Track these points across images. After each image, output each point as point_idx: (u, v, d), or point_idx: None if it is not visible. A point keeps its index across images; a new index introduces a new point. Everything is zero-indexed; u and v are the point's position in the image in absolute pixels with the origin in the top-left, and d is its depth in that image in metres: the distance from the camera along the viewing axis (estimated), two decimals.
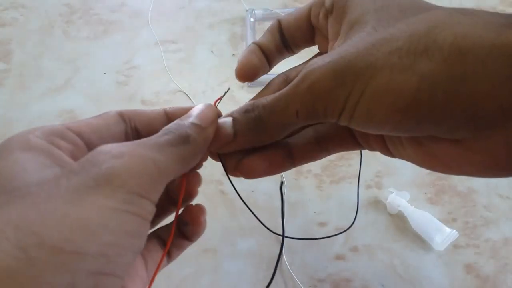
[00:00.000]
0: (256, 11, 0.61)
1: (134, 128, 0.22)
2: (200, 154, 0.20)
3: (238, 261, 0.41)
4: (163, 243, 0.24)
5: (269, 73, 0.27)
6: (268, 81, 0.26)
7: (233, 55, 0.59)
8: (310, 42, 0.26)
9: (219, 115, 0.22)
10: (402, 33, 0.16)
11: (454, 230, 0.41)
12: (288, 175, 0.47)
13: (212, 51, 0.60)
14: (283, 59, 0.27)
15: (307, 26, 0.24)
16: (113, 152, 0.16)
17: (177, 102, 0.54)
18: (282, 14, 0.60)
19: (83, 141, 0.19)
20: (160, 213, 0.24)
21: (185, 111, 0.22)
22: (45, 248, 0.14)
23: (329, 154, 0.25)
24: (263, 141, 0.21)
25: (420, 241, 0.42)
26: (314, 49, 0.28)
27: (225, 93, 0.23)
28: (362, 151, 0.48)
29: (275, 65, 0.26)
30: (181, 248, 0.25)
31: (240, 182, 0.48)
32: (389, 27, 0.17)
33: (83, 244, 0.14)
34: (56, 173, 0.16)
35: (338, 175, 0.47)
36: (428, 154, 0.19)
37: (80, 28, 0.64)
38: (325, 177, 0.47)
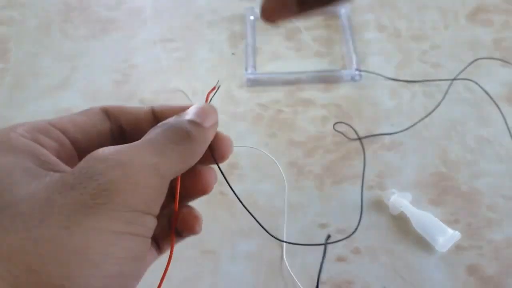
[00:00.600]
0: (255, 9, 0.60)
1: (120, 126, 0.20)
2: (201, 153, 0.19)
3: (238, 263, 0.41)
4: (154, 239, 0.23)
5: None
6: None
7: (232, 53, 0.58)
8: None
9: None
10: None
11: (457, 231, 0.40)
12: (289, 176, 0.46)
13: (211, 50, 0.59)
14: None
15: None
16: (111, 161, 0.14)
17: (176, 101, 0.54)
18: None
19: (68, 138, 0.18)
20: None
21: (174, 110, 0.20)
22: None
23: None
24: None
25: (422, 242, 0.41)
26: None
27: (217, 89, 0.22)
28: (366, 152, 0.48)
29: None
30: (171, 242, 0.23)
31: (240, 182, 0.47)
32: None
33: (85, 280, 0.13)
34: (48, 184, 0.14)
35: (339, 175, 0.47)
36: None
37: (78, 26, 0.63)
38: (326, 178, 0.46)
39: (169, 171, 0.16)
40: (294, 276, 0.40)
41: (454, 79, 0.53)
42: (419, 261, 0.41)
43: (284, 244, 0.42)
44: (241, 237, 0.42)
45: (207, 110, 0.19)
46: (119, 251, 0.14)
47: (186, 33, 0.62)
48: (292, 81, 0.55)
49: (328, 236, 0.42)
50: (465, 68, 0.54)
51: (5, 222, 0.13)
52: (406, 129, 0.49)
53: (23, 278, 0.12)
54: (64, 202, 0.13)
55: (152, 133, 0.17)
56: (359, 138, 0.49)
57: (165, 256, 0.23)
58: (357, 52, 0.56)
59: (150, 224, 0.16)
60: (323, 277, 0.40)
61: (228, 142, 0.21)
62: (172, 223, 0.21)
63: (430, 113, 0.50)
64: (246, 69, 0.55)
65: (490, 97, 0.51)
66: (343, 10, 0.60)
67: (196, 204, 0.25)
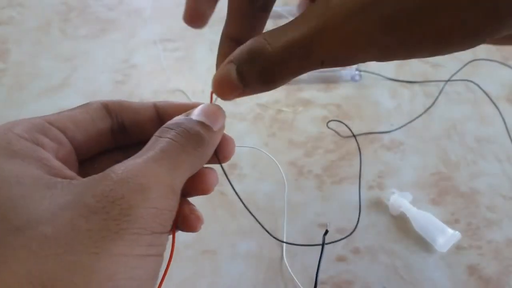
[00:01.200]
0: None
1: (121, 123, 0.20)
2: (209, 157, 0.18)
3: (238, 263, 0.41)
4: None
5: None
6: None
7: None
8: None
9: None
10: None
11: (457, 231, 0.40)
12: (288, 176, 0.46)
13: (211, 50, 0.59)
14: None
15: None
16: (131, 185, 0.14)
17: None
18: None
19: (67, 137, 0.18)
20: None
21: (177, 108, 0.20)
22: None
23: None
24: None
25: (422, 242, 0.41)
26: None
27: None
28: (362, 154, 0.48)
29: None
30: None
31: (241, 182, 0.47)
32: None
33: None
34: (68, 205, 0.14)
35: (339, 175, 0.47)
36: None
37: (77, 26, 0.63)
38: (326, 178, 0.46)
39: (181, 183, 0.16)
40: (293, 276, 0.40)
41: (449, 80, 0.53)
42: (419, 261, 0.41)
43: (284, 244, 0.42)
44: (241, 237, 0.42)
45: (216, 112, 0.19)
46: (142, 273, 0.14)
47: (186, 33, 0.62)
48: (292, 81, 0.55)
49: (326, 232, 0.42)
50: (461, 68, 0.54)
51: (32, 244, 0.13)
52: (403, 126, 0.49)
53: None
54: (89, 227, 0.13)
55: (164, 141, 0.16)
56: (354, 136, 0.49)
57: (165, 256, 0.23)
58: None
59: (165, 241, 0.16)
60: (323, 277, 0.40)
61: (232, 143, 0.21)
62: (173, 224, 0.21)
63: (427, 110, 0.50)
64: None
65: (489, 98, 0.51)
66: None
67: (196, 204, 0.25)
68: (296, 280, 0.39)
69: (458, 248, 0.41)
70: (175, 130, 0.17)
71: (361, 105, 0.52)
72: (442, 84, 0.54)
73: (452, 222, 0.43)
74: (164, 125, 0.18)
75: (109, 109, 0.19)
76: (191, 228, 0.21)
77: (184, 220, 0.20)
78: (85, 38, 0.62)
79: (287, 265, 0.40)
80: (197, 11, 0.20)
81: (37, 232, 0.13)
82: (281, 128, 0.51)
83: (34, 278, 0.12)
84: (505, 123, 0.49)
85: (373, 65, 0.56)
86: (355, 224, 0.42)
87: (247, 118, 0.51)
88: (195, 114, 0.18)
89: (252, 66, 0.16)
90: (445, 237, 0.40)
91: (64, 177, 0.15)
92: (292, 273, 0.40)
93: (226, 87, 0.17)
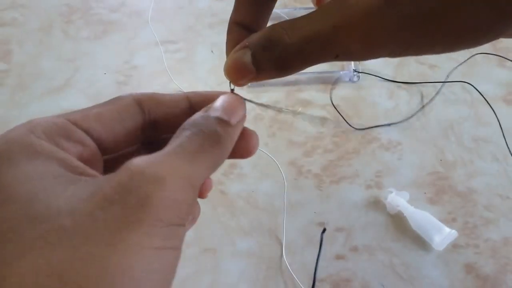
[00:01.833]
0: None
1: (153, 119, 0.19)
2: (228, 153, 0.18)
3: (238, 261, 0.41)
4: None
5: None
6: None
7: None
8: None
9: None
10: None
11: (454, 230, 0.41)
12: (288, 175, 0.47)
13: (212, 51, 0.60)
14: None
15: None
16: (148, 175, 0.14)
17: None
18: (282, 14, 0.60)
19: (92, 138, 0.17)
20: None
21: (208, 97, 0.19)
22: None
23: None
24: (286, 75, 0.18)
25: (419, 241, 0.42)
26: None
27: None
28: (360, 154, 0.48)
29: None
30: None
31: (241, 182, 0.48)
32: None
33: None
34: (87, 197, 0.14)
35: (338, 175, 0.47)
36: None
37: (80, 28, 0.64)
38: (325, 177, 0.47)
39: (200, 180, 0.16)
40: (293, 274, 0.40)
41: (446, 81, 0.54)
42: (416, 260, 0.41)
43: (284, 242, 0.42)
44: (241, 235, 0.43)
45: (235, 104, 0.18)
46: (159, 267, 0.14)
47: (187, 35, 0.62)
48: (292, 82, 0.55)
49: (324, 230, 0.43)
50: (458, 65, 0.55)
51: (50, 236, 0.13)
52: (400, 122, 0.50)
53: None
54: (106, 218, 0.13)
55: (182, 137, 0.16)
56: (355, 128, 0.49)
57: None
58: None
59: (183, 234, 0.16)
60: (322, 275, 0.40)
61: (255, 138, 0.20)
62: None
63: (423, 107, 0.51)
64: None
65: (485, 99, 0.52)
66: None
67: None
68: (296, 278, 0.40)
69: (455, 246, 0.42)
70: (190, 130, 0.17)
71: (359, 105, 0.53)
72: (438, 85, 0.54)
73: (449, 221, 0.43)
74: (181, 126, 0.17)
75: (142, 104, 0.19)
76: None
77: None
78: (87, 39, 0.62)
79: (286, 263, 0.41)
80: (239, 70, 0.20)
81: (56, 223, 0.13)
82: (281, 128, 0.51)
83: (51, 269, 0.12)
84: (499, 123, 0.50)
85: (371, 66, 0.57)
86: (354, 223, 0.43)
87: (247, 118, 0.52)
88: (214, 108, 0.18)
89: (269, 53, 0.17)
90: (442, 235, 0.40)
91: (86, 174, 0.15)
92: (291, 271, 0.40)
93: (239, 71, 0.17)
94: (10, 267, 0.12)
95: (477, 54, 0.56)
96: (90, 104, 0.18)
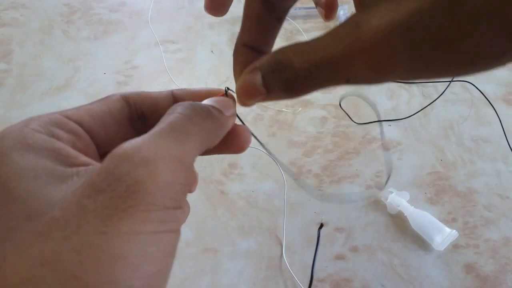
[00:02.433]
0: None
1: (141, 113, 0.20)
2: (220, 136, 0.18)
3: (238, 261, 0.41)
4: None
5: None
6: None
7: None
8: None
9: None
10: None
11: (454, 230, 0.40)
12: (288, 175, 0.47)
13: (212, 51, 0.60)
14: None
15: None
16: (136, 159, 0.14)
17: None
18: None
19: (84, 130, 0.17)
20: None
21: (195, 94, 0.20)
22: None
23: None
24: (296, 97, 0.18)
25: (420, 241, 0.42)
26: None
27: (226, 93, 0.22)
28: (361, 154, 0.48)
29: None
30: None
31: (241, 182, 0.48)
32: None
33: (129, 283, 0.13)
34: (76, 188, 0.14)
35: (338, 175, 0.47)
36: None
37: (80, 28, 0.64)
38: (325, 177, 0.47)
39: (192, 157, 0.16)
40: (293, 274, 0.40)
41: (448, 81, 0.54)
42: (416, 260, 0.41)
43: (284, 242, 0.42)
44: (241, 235, 0.43)
45: (226, 101, 0.19)
46: (156, 250, 0.14)
47: (187, 35, 0.62)
48: None
49: (321, 226, 0.43)
50: None
51: (43, 229, 0.13)
52: (403, 118, 0.50)
53: (69, 287, 0.12)
54: (96, 207, 0.13)
55: (172, 115, 0.16)
56: (355, 123, 0.49)
57: None
58: None
59: (180, 216, 0.15)
60: (322, 275, 0.40)
61: (247, 133, 0.21)
62: None
63: (425, 107, 0.51)
64: None
65: (486, 98, 0.52)
66: (341, 12, 0.61)
67: (197, 202, 0.25)
68: (296, 278, 0.40)
69: (455, 246, 0.42)
70: (181, 107, 0.17)
71: (359, 105, 0.53)
72: (439, 85, 0.54)
73: (449, 221, 0.43)
74: (172, 107, 0.18)
75: (127, 99, 0.19)
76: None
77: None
78: (87, 39, 0.63)
79: (286, 263, 0.41)
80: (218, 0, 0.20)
81: (49, 217, 0.13)
82: (281, 128, 0.51)
83: (44, 259, 0.12)
84: (501, 123, 0.50)
85: None
86: (354, 223, 0.43)
87: (247, 118, 0.52)
88: (205, 101, 0.19)
89: (278, 76, 0.17)
90: (443, 235, 0.40)
91: (81, 164, 0.15)
92: (291, 271, 0.40)
93: (250, 92, 0.18)
94: (3, 262, 0.12)
95: None
96: None
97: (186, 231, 0.43)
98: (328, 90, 0.55)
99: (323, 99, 0.54)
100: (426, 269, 0.40)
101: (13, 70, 0.59)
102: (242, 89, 0.18)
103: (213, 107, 0.18)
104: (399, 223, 0.43)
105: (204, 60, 0.59)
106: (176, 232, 0.15)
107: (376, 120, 0.52)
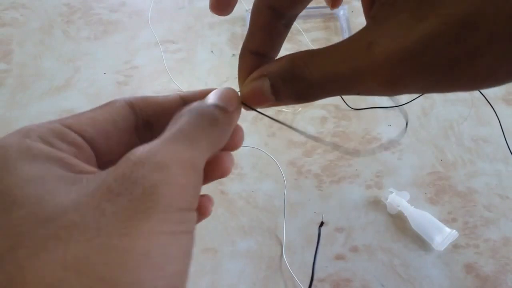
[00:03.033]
0: None
1: (146, 119, 0.19)
2: (227, 137, 0.18)
3: (238, 261, 0.41)
4: None
5: None
6: None
7: (233, 55, 0.59)
8: None
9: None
10: None
11: (454, 230, 0.41)
12: (288, 175, 0.47)
13: (212, 51, 0.60)
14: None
15: None
16: (150, 164, 0.14)
17: None
18: None
19: (85, 140, 0.17)
20: None
21: (202, 94, 0.20)
22: None
23: None
24: (304, 103, 0.19)
25: (420, 241, 0.42)
26: None
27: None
28: (360, 153, 0.48)
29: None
30: None
31: (241, 182, 0.48)
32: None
33: (154, 283, 0.13)
34: (91, 192, 0.14)
35: (338, 175, 0.47)
36: None
37: (80, 28, 0.64)
38: (325, 177, 0.47)
39: (202, 161, 0.16)
40: (293, 274, 0.40)
41: None
42: (416, 260, 0.41)
43: (284, 242, 0.42)
44: (241, 235, 0.43)
45: (229, 94, 0.19)
46: (176, 251, 0.14)
47: (187, 35, 0.62)
48: None
49: (321, 224, 0.43)
50: None
51: (61, 233, 0.13)
52: (401, 104, 0.50)
53: None
54: (115, 210, 0.13)
55: (180, 121, 0.17)
56: (352, 109, 0.49)
57: None
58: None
59: (194, 218, 0.16)
60: (322, 275, 0.40)
61: (241, 132, 0.21)
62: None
63: (424, 109, 0.51)
64: None
65: (486, 98, 0.52)
66: (341, 11, 0.61)
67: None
68: (296, 278, 0.40)
69: (455, 246, 0.42)
70: (188, 113, 0.17)
71: (359, 105, 0.53)
72: None
73: (449, 221, 0.43)
74: (178, 113, 0.18)
75: (133, 106, 0.19)
76: (203, 212, 0.20)
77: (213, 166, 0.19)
78: (87, 39, 0.63)
79: (286, 263, 0.41)
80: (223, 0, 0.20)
81: (64, 220, 0.13)
82: (281, 128, 0.51)
83: (66, 263, 0.12)
84: (500, 123, 0.50)
85: None
86: (354, 223, 0.43)
87: (247, 118, 0.52)
88: (209, 98, 0.18)
89: (289, 86, 0.17)
90: (443, 235, 0.40)
91: (86, 172, 0.15)
92: (291, 271, 0.40)
93: (258, 98, 0.18)
94: (23, 270, 0.12)
95: None
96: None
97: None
98: None
99: (322, 99, 0.54)
100: (426, 269, 0.41)
101: (13, 70, 0.59)
102: (250, 94, 0.18)
103: (217, 106, 0.18)
104: (399, 223, 0.43)
105: (204, 60, 0.59)
106: (192, 233, 0.15)
107: (372, 107, 0.52)
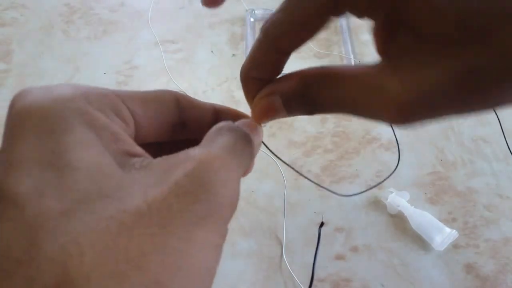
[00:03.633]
0: (256, 11, 0.61)
1: (183, 118, 0.19)
2: (251, 165, 0.19)
3: (238, 261, 0.41)
4: None
5: None
6: None
7: (233, 55, 0.59)
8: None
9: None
10: None
11: (454, 230, 0.41)
12: (288, 175, 0.47)
13: (212, 51, 0.60)
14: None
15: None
16: (216, 168, 0.14)
17: None
18: None
19: (134, 121, 0.17)
20: None
21: (233, 112, 0.21)
22: None
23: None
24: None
25: (420, 241, 0.42)
26: None
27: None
28: (361, 154, 0.48)
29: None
30: None
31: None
32: None
33: None
34: (152, 181, 0.13)
35: (338, 175, 0.47)
36: None
37: (80, 28, 0.64)
38: (325, 177, 0.47)
39: (240, 178, 0.16)
40: (293, 274, 0.40)
41: None
42: (416, 260, 0.41)
43: (284, 242, 0.42)
44: (241, 235, 0.43)
45: (257, 128, 0.20)
46: (215, 263, 0.14)
47: (187, 35, 0.62)
48: None
49: (322, 224, 0.43)
50: None
51: (126, 220, 0.12)
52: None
53: None
54: (180, 208, 0.13)
55: (228, 137, 0.17)
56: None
57: None
58: (356, 53, 0.57)
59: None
60: (322, 274, 0.40)
61: (253, 164, 0.21)
62: None
63: None
64: None
65: None
66: None
67: None
68: (296, 278, 0.40)
69: (455, 246, 0.42)
70: (234, 132, 0.17)
71: None
72: None
73: (449, 221, 0.43)
74: (216, 126, 0.18)
75: (180, 104, 0.19)
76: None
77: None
78: (87, 39, 0.63)
79: (286, 263, 0.41)
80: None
81: (131, 206, 0.12)
82: (281, 128, 0.51)
83: (129, 255, 0.12)
84: (500, 123, 0.50)
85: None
86: (354, 223, 0.43)
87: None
88: (241, 125, 0.19)
89: (303, 104, 0.18)
90: (443, 235, 0.40)
91: (135, 154, 0.15)
92: (291, 271, 0.40)
93: (269, 112, 0.19)
94: (81, 247, 0.11)
95: None
96: None
97: None
98: None
99: None
100: (426, 269, 0.41)
101: (13, 70, 0.59)
102: (262, 111, 0.19)
103: (247, 133, 0.18)
104: (399, 223, 0.43)
105: (204, 60, 0.59)
106: (222, 247, 0.15)
107: None
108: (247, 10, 0.62)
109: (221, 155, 0.15)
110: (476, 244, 0.42)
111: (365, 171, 0.47)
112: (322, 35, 0.61)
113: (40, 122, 0.13)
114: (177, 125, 0.19)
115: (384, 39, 0.16)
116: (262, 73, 0.20)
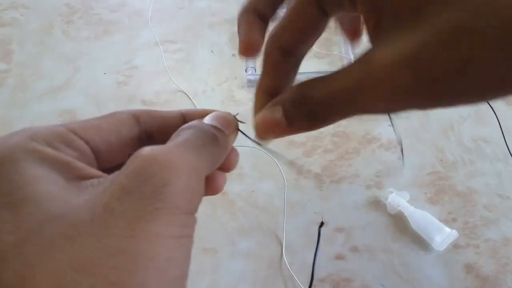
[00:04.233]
0: None
1: (149, 132, 0.20)
2: (223, 158, 0.19)
3: (238, 261, 0.41)
4: None
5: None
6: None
7: (233, 55, 0.59)
8: None
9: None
10: None
11: (454, 230, 0.41)
12: (288, 175, 0.47)
13: (212, 51, 0.60)
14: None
15: None
16: (163, 162, 0.14)
17: (177, 102, 0.54)
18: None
19: (90, 148, 0.17)
20: None
21: (203, 114, 0.21)
22: None
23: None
24: (316, 129, 0.19)
25: (420, 241, 0.42)
26: None
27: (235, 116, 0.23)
28: (361, 154, 0.48)
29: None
30: None
31: (241, 182, 0.48)
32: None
33: (157, 287, 0.13)
34: (102, 189, 0.14)
35: (338, 175, 0.47)
36: None
37: (80, 28, 0.64)
38: (325, 177, 0.47)
39: (204, 172, 0.17)
40: (293, 274, 0.40)
41: None
42: (416, 260, 0.41)
43: (284, 242, 0.42)
44: (241, 235, 0.43)
45: (227, 117, 0.20)
46: (179, 255, 0.14)
47: (187, 35, 0.62)
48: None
49: (321, 224, 0.43)
50: None
51: (69, 231, 0.13)
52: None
53: None
54: (123, 209, 0.13)
55: (185, 134, 0.17)
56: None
57: None
58: (356, 53, 0.57)
59: (195, 222, 0.16)
60: (322, 275, 0.40)
61: (236, 154, 0.21)
62: None
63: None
64: (246, 70, 0.55)
65: None
66: None
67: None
68: (296, 278, 0.40)
69: (455, 246, 0.42)
70: (192, 129, 0.18)
71: None
72: None
73: (449, 221, 0.43)
74: (180, 128, 0.18)
75: (138, 118, 0.19)
76: (217, 187, 0.21)
77: (209, 179, 0.20)
78: (87, 39, 0.63)
79: (286, 263, 0.41)
80: (252, 43, 0.21)
81: (73, 218, 0.13)
82: None
83: (77, 264, 0.12)
84: (500, 123, 0.50)
85: None
86: (354, 223, 0.43)
87: (247, 118, 0.52)
88: (208, 119, 0.19)
89: (299, 108, 0.18)
90: (443, 235, 0.40)
91: (92, 176, 0.15)
92: (291, 271, 0.40)
93: (270, 126, 0.19)
94: (33, 268, 0.12)
95: None
96: (90, 104, 0.19)
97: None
98: None
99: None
100: (426, 269, 0.41)
101: (13, 70, 0.59)
102: (262, 123, 0.19)
103: (215, 127, 0.19)
104: (399, 223, 0.43)
105: (204, 60, 0.59)
106: (192, 237, 0.15)
107: None
108: None
109: (170, 149, 0.15)
110: (476, 244, 0.42)
111: (365, 171, 0.47)
112: (322, 35, 0.61)
113: None
114: (143, 140, 0.20)
115: (372, 30, 0.17)
116: (272, 84, 0.21)
